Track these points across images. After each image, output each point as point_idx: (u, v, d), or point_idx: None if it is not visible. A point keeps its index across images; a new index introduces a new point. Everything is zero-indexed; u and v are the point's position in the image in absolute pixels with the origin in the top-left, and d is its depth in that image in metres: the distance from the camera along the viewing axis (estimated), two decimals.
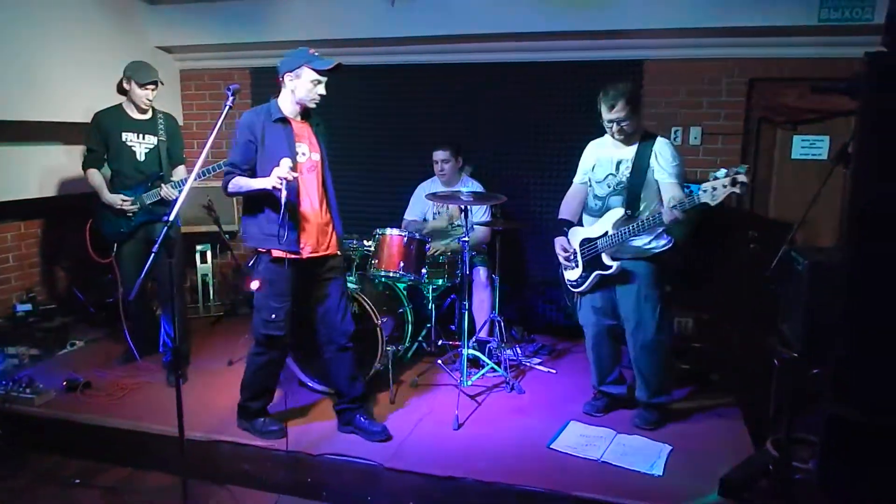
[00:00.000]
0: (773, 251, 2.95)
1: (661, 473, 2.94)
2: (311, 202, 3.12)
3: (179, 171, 4.15)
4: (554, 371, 4.20)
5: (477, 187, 4.46)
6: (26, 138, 4.48)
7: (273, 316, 3.15)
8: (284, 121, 3.06)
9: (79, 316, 5.06)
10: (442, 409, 3.59)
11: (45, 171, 4.67)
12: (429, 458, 3.10)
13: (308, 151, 3.11)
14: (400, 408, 3.64)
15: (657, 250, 3.21)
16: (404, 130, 5.05)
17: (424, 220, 4.61)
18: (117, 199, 3.93)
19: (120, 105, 4.05)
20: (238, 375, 3.61)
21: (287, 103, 3.09)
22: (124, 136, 3.98)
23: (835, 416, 2.09)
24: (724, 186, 2.75)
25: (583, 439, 3.26)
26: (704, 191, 2.79)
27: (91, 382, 3.91)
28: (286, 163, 2.86)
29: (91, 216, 4.08)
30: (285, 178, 2.82)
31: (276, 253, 3.07)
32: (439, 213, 4.55)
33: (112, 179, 4.03)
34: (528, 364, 4.25)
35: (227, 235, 5.23)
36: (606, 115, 3.15)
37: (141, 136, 4.02)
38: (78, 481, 3.16)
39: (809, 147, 4.46)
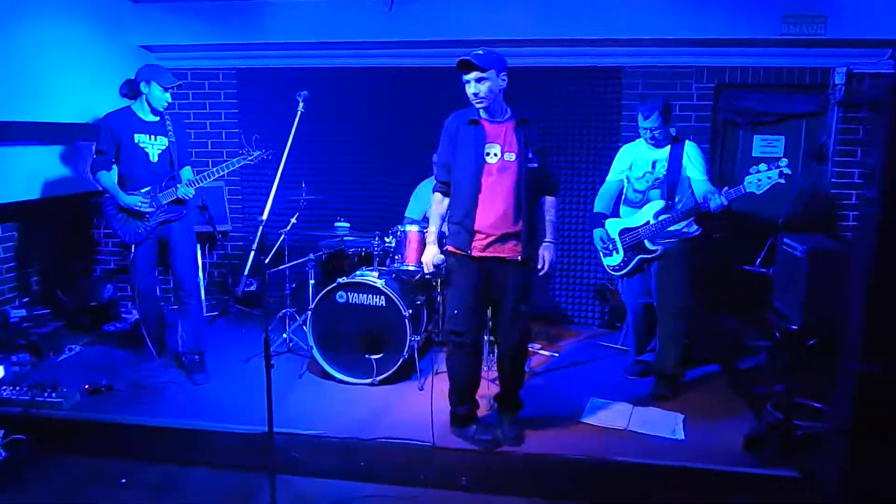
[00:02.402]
0: (741, 239, 3.44)
1: (683, 437, 3.34)
2: (496, 204, 3.10)
3: (186, 172, 4.19)
4: (556, 354, 4.55)
5: None
6: (6, 139, 4.35)
7: (454, 311, 3.22)
8: (476, 122, 3.12)
9: (65, 320, 4.96)
10: None
11: (25, 173, 4.56)
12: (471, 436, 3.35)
13: (501, 153, 3.11)
14: (428, 394, 3.85)
15: (689, 235, 3.71)
16: (403, 131, 5.23)
17: (425, 218, 4.82)
18: (137, 201, 3.94)
19: (129, 107, 4.04)
20: (253, 372, 3.82)
21: None
22: (136, 137, 3.98)
23: (864, 373, 2.48)
24: (770, 178, 3.25)
25: (606, 412, 3.62)
26: (750, 182, 3.31)
27: (113, 385, 3.91)
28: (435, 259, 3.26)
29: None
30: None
31: (450, 248, 3.26)
32: None
33: (122, 182, 4.02)
34: (531, 349, 4.56)
35: (219, 235, 5.26)
36: (642, 122, 3.64)
37: (153, 137, 4.03)
38: (124, 481, 3.24)
39: (767, 146, 5.01)
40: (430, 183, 4.80)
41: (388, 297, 3.87)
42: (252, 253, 2.61)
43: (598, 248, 3.99)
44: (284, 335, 4.47)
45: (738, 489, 2.97)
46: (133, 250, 4.03)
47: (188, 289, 4.10)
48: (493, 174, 3.09)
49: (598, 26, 4.75)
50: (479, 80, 2.97)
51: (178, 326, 4.21)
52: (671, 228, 3.69)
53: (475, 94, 3.01)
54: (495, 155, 3.09)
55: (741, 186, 3.40)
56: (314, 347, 3.98)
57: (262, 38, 5.14)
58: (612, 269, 4.00)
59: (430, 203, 4.74)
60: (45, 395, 3.63)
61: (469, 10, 4.82)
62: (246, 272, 2.62)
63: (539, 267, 3.22)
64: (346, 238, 4.34)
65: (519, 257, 3.13)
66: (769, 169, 3.31)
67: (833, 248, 3.16)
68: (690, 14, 4.61)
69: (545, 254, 3.23)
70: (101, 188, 4.05)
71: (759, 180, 3.34)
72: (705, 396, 3.89)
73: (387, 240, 4.12)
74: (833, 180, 4.84)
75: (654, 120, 3.60)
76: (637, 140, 3.87)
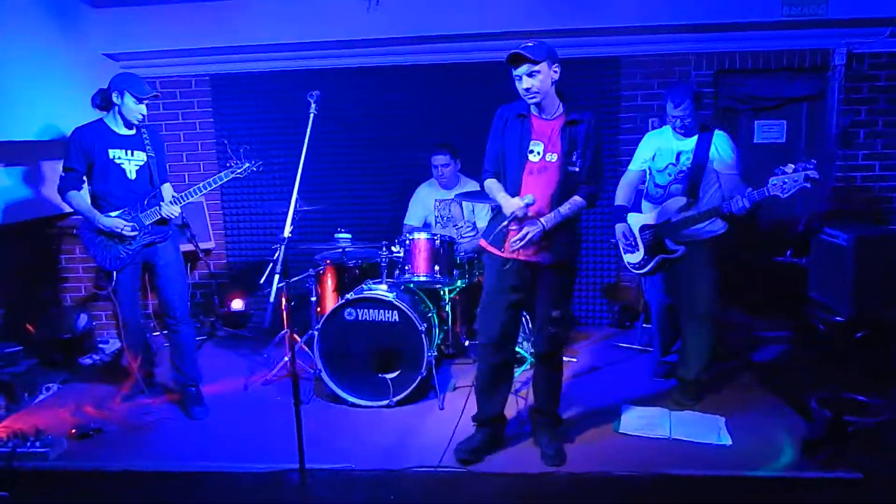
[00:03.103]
0: (746, 230, 3.23)
1: (730, 443, 3.16)
2: (532, 207, 2.90)
3: (166, 190, 3.84)
4: (574, 359, 4.34)
5: (475, 186, 4.48)
6: None
7: (478, 312, 3.11)
8: (525, 116, 2.92)
9: (38, 356, 4.55)
10: None
11: None
12: (508, 457, 3.12)
13: (544, 152, 2.91)
14: (452, 413, 3.60)
15: (713, 233, 3.46)
16: (395, 133, 4.96)
17: (426, 224, 4.57)
18: (118, 223, 3.58)
19: (101, 120, 3.68)
20: (255, 401, 3.63)
21: None
22: (112, 153, 3.62)
23: None
24: (796, 181, 2.99)
25: (644, 420, 3.42)
26: (775, 184, 3.04)
27: (102, 427, 3.54)
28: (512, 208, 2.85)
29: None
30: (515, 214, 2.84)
31: (483, 242, 3.11)
32: (441, 216, 4.53)
33: (95, 202, 3.65)
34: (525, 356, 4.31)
35: (202, 253, 4.90)
36: (672, 111, 3.38)
37: (129, 152, 3.68)
38: None
39: (768, 131, 4.90)
40: (428, 187, 4.58)
41: (401, 312, 3.60)
42: (277, 276, 2.30)
43: (620, 243, 3.75)
44: (286, 358, 4.14)
45: (800, 494, 2.80)
46: (115, 277, 3.66)
47: (179, 315, 3.75)
48: (534, 173, 2.90)
49: (593, 15, 4.56)
50: (530, 75, 2.77)
51: (168, 356, 3.86)
52: (692, 227, 3.45)
53: (527, 90, 2.80)
54: (538, 153, 2.90)
55: (765, 188, 3.10)
56: (322, 370, 3.68)
57: (237, 41, 4.81)
58: (632, 267, 3.77)
59: (428, 208, 4.54)
60: (28, 445, 3.25)
61: (460, 2, 4.57)
62: (271, 298, 2.31)
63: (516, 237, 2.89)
64: (347, 249, 4.03)
65: (551, 261, 2.92)
66: (795, 171, 3.03)
67: (881, 234, 3.01)
68: None
69: (527, 227, 2.86)
70: (72, 210, 3.67)
71: (785, 182, 3.04)
72: (733, 395, 3.73)
73: (394, 249, 3.84)
74: (838, 163, 4.76)
75: (685, 108, 3.35)
76: (663, 127, 3.63)
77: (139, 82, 3.60)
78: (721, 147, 3.40)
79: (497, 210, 3.08)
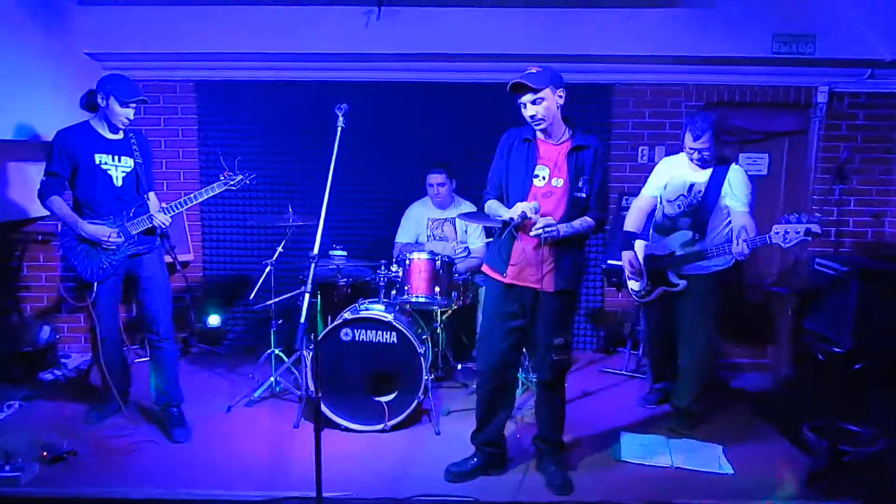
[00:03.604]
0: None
1: (731, 471, 3.16)
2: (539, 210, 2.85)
3: (152, 200, 3.66)
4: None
5: (470, 207, 4.44)
6: None
7: (478, 337, 3.13)
8: (530, 140, 2.89)
9: None
10: None
11: None
12: (513, 485, 3.04)
13: (549, 177, 2.86)
14: (449, 438, 3.51)
15: (718, 268, 3.42)
16: (389, 150, 4.87)
17: (418, 242, 4.49)
18: (103, 231, 3.38)
19: (87, 122, 3.49)
20: (239, 424, 3.51)
21: None
22: (98, 157, 3.44)
23: None
24: (797, 233, 2.99)
25: (644, 447, 3.39)
26: (777, 233, 3.03)
27: (75, 450, 3.31)
28: (521, 207, 2.77)
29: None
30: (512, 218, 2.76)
31: (485, 268, 3.08)
32: (433, 235, 4.46)
33: (79, 209, 3.45)
34: (533, 380, 4.29)
35: (180, 266, 4.69)
36: (690, 143, 3.32)
37: (116, 158, 3.50)
38: None
39: (752, 164, 5.02)
40: (421, 206, 4.51)
41: (399, 334, 3.50)
42: (307, 296, 2.19)
43: (625, 270, 3.70)
44: (272, 378, 3.98)
45: None
46: (95, 288, 3.46)
47: (163, 331, 3.56)
48: (538, 198, 2.85)
49: (589, 42, 4.61)
50: (534, 102, 2.76)
51: (147, 374, 3.66)
52: (696, 263, 3.41)
53: (532, 117, 2.80)
54: (543, 178, 2.87)
55: (767, 236, 3.09)
56: (313, 392, 3.53)
57: (226, 47, 4.66)
58: (635, 294, 3.75)
59: (421, 226, 4.47)
60: None
61: (458, 24, 4.55)
62: (302, 319, 2.18)
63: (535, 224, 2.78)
64: (342, 267, 3.91)
65: (555, 288, 2.87)
66: (799, 222, 3.01)
67: (884, 268, 3.09)
68: (683, 32, 4.54)
69: (546, 219, 2.78)
70: (55, 215, 3.46)
71: (787, 232, 3.03)
72: (726, 423, 3.73)
73: (393, 268, 3.74)
74: (814, 196, 4.91)
75: (704, 140, 3.27)
76: (679, 154, 3.56)
77: (126, 84, 3.44)
78: (735, 183, 3.33)
79: (497, 233, 3.03)
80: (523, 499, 2.94)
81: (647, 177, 4.88)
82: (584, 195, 2.85)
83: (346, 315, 3.55)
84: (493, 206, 3.00)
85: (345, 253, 4.02)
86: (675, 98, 4.88)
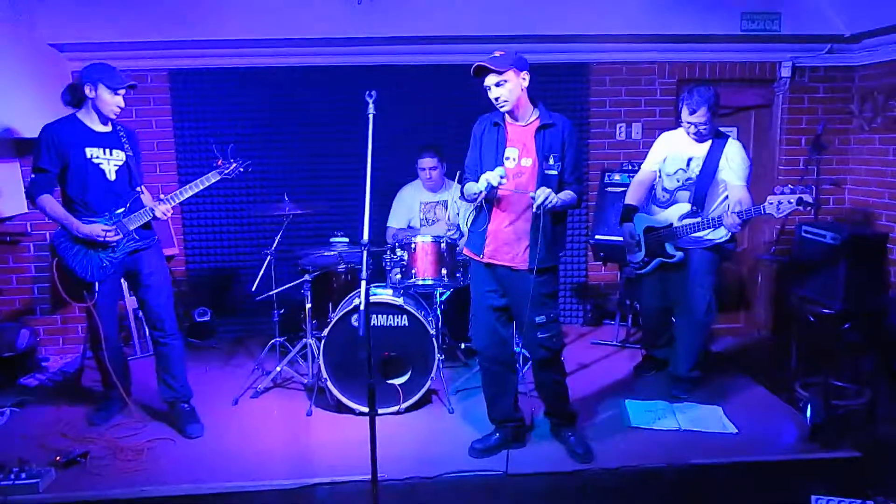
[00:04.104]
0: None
1: (736, 430, 3.36)
2: (508, 209, 2.96)
3: (145, 194, 3.56)
4: None
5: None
6: None
7: (470, 318, 3.17)
8: (499, 124, 2.95)
9: None
10: None
11: None
12: (536, 457, 3.16)
13: (518, 157, 2.92)
14: (463, 416, 3.60)
15: (716, 241, 3.54)
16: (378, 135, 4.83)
17: (410, 226, 4.52)
18: (98, 229, 3.28)
19: (74, 115, 3.36)
20: (250, 415, 3.51)
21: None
22: (89, 152, 3.32)
23: None
24: (790, 203, 3.10)
25: (651, 413, 3.56)
26: (770, 204, 3.14)
27: (88, 452, 3.23)
28: (485, 177, 2.83)
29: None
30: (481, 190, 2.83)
31: (466, 250, 3.18)
32: (426, 219, 4.49)
33: (70, 207, 3.33)
34: (525, 353, 4.38)
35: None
36: (686, 117, 3.43)
37: (108, 151, 3.38)
38: None
39: None
40: (412, 188, 4.54)
41: (411, 316, 3.54)
42: (363, 283, 2.20)
43: (625, 242, 3.82)
44: (278, 368, 3.96)
45: (810, 474, 3.01)
46: (97, 288, 3.36)
47: (168, 328, 3.49)
48: (510, 179, 2.92)
49: (565, 23, 4.69)
50: (497, 84, 2.83)
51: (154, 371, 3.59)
52: (694, 235, 3.50)
53: (496, 99, 2.87)
54: (513, 159, 2.94)
55: (761, 207, 3.18)
56: (328, 379, 3.56)
57: (199, 34, 4.54)
58: (633, 267, 3.84)
59: (413, 210, 4.50)
60: (12, 477, 2.91)
61: (440, 6, 4.56)
62: (362, 306, 2.19)
63: (535, 197, 2.81)
64: (346, 254, 3.91)
65: (527, 266, 2.93)
66: (792, 192, 3.10)
67: (869, 233, 3.32)
68: (656, 11, 4.66)
69: (545, 189, 2.81)
70: (47, 216, 3.33)
71: (780, 203, 3.11)
72: (715, 384, 3.93)
73: (398, 252, 3.76)
74: (781, 167, 5.18)
75: (701, 115, 3.38)
76: (678, 129, 3.64)
77: (113, 72, 3.32)
78: (732, 157, 3.42)
79: (475, 215, 3.10)
80: (549, 469, 3.05)
81: (626, 153, 5.12)
82: (555, 172, 2.90)
83: (356, 300, 3.56)
84: (467, 187, 3.06)
85: (346, 239, 4.01)
86: (649, 76, 5.03)
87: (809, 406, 3.22)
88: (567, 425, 3.25)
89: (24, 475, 2.93)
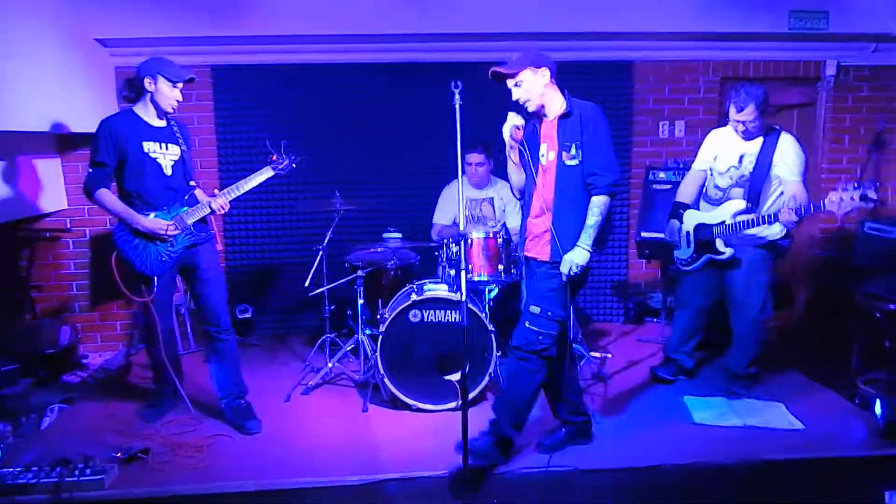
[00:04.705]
0: None
1: (803, 426, 3.32)
2: (537, 203, 2.96)
3: (198, 190, 3.54)
4: (609, 355, 4.41)
5: (507, 187, 4.45)
6: None
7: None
8: (536, 123, 3.01)
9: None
10: None
11: None
12: (604, 453, 3.12)
13: (546, 152, 2.93)
14: None
15: (770, 238, 3.49)
16: (425, 131, 4.78)
17: (455, 223, 4.48)
18: (161, 224, 3.25)
19: (130, 110, 3.34)
20: (304, 412, 3.57)
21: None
22: (146, 146, 3.29)
23: None
24: (853, 199, 3.01)
25: (713, 410, 3.52)
26: (832, 201, 3.05)
27: (148, 448, 3.19)
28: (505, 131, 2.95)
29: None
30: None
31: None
32: (472, 215, 4.46)
33: (130, 202, 3.29)
34: (582, 352, 4.36)
35: None
36: (734, 115, 3.39)
37: (164, 146, 3.36)
38: None
39: None
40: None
41: (471, 312, 3.50)
42: (462, 273, 2.16)
43: (668, 238, 3.79)
44: (329, 364, 3.93)
45: (886, 471, 2.98)
46: (155, 283, 3.33)
47: (224, 323, 3.47)
48: (541, 174, 2.96)
49: (608, 20, 4.66)
50: (517, 86, 2.86)
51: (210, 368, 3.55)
52: (748, 232, 3.44)
53: (517, 100, 2.90)
54: (544, 155, 2.95)
55: (821, 203, 3.09)
56: (385, 375, 3.52)
57: (242, 30, 4.52)
58: (680, 263, 3.79)
59: (457, 206, 4.45)
60: (76, 473, 2.87)
61: (485, 3, 4.53)
62: (490, 295, 2.15)
63: (561, 271, 2.85)
64: (400, 250, 3.88)
65: (548, 258, 2.93)
66: (855, 189, 2.99)
67: None
68: (702, 9, 4.65)
69: (568, 256, 2.84)
70: (106, 210, 3.31)
71: (842, 200, 3.01)
72: (770, 381, 3.88)
73: (454, 248, 3.72)
74: (823, 165, 5.15)
75: (749, 113, 3.33)
76: (727, 126, 3.59)
77: (172, 64, 3.30)
78: (786, 152, 3.39)
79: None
80: (618, 465, 3.01)
81: (668, 151, 5.09)
82: (576, 162, 2.82)
83: (414, 297, 3.52)
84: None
85: (399, 235, 3.98)
86: (693, 73, 5.02)
87: (879, 402, 3.17)
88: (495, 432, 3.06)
89: (88, 471, 2.89)
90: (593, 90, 4.84)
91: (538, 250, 2.98)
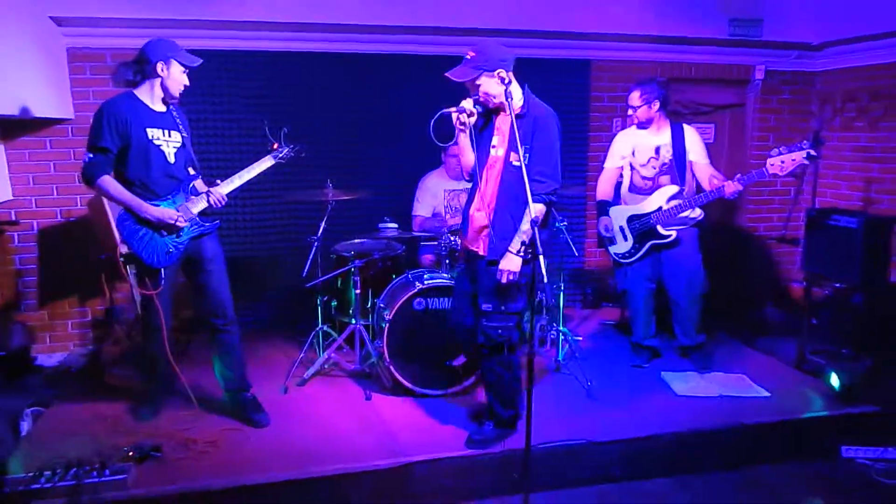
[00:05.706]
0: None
1: (769, 393, 3.73)
2: (482, 196, 3.02)
3: (198, 181, 3.44)
4: (580, 338, 4.69)
5: None
6: None
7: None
8: (496, 114, 3.03)
9: None
10: (562, 385, 3.90)
11: None
12: (604, 425, 3.37)
13: (498, 145, 2.99)
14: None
15: (698, 219, 3.89)
16: (394, 122, 4.82)
17: (435, 214, 4.59)
18: (172, 213, 3.15)
19: (131, 93, 3.19)
20: (306, 402, 3.56)
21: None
22: (150, 133, 3.17)
23: None
24: (794, 160, 3.43)
25: (691, 383, 3.88)
26: (773, 164, 3.46)
27: (160, 445, 3.10)
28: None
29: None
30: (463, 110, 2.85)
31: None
32: (450, 206, 4.58)
33: (133, 191, 3.14)
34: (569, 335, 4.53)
35: None
36: (632, 102, 3.82)
37: (167, 132, 3.24)
38: None
39: (702, 133, 5.64)
40: (435, 176, 4.63)
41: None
42: (541, 258, 2.29)
43: (603, 236, 4.08)
44: (325, 355, 3.93)
45: (842, 427, 3.44)
46: (163, 275, 3.22)
47: (230, 314, 3.41)
48: (487, 167, 3.02)
49: (568, 20, 4.95)
50: (476, 87, 2.88)
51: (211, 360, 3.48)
52: (682, 214, 3.78)
53: (478, 102, 2.90)
54: (493, 147, 3.02)
55: (763, 170, 3.46)
56: (390, 363, 3.60)
57: (219, 14, 4.39)
58: (619, 258, 4.06)
59: (438, 198, 4.58)
60: (94, 474, 2.76)
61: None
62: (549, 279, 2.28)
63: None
64: (396, 239, 3.94)
65: (486, 254, 3.00)
66: (791, 150, 3.40)
67: (884, 219, 3.80)
68: (654, 12, 5.05)
69: (502, 265, 2.89)
70: (110, 198, 3.15)
71: (783, 162, 3.41)
72: (722, 356, 4.31)
73: (453, 238, 3.84)
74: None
75: (633, 98, 3.79)
76: (631, 127, 3.99)
77: (182, 49, 3.22)
78: (694, 140, 3.82)
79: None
80: (624, 436, 3.28)
81: None
82: (519, 164, 2.70)
83: (418, 285, 3.61)
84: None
85: (396, 225, 4.04)
86: (643, 74, 5.34)
87: (834, 373, 3.62)
88: (493, 418, 3.22)
89: (107, 472, 2.79)
90: (555, 86, 5.16)
91: (478, 245, 3.05)
